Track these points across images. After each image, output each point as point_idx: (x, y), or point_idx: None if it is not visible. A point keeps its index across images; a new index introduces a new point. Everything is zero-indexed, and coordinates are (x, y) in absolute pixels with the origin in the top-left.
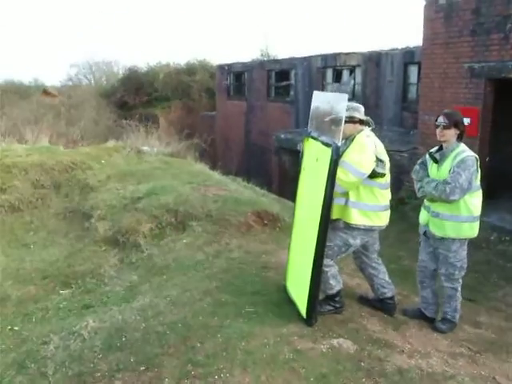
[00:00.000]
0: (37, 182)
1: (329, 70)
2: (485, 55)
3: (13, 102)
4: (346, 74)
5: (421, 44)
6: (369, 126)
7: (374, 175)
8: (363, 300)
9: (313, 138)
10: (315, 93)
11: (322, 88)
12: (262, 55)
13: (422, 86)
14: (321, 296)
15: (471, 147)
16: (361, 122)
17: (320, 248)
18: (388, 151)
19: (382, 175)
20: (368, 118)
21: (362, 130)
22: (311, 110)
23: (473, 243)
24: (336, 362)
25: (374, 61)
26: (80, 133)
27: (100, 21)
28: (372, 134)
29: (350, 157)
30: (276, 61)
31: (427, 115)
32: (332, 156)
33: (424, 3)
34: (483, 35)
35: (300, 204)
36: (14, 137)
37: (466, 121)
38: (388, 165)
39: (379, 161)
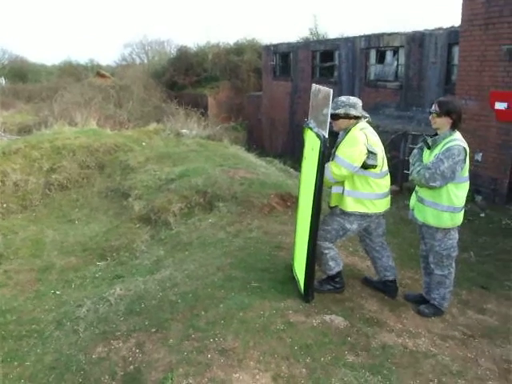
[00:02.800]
0: (83, 163)
1: (372, 50)
2: None
3: (67, 85)
4: (389, 54)
5: None
6: (364, 118)
7: (366, 166)
8: (367, 281)
9: (310, 128)
10: (313, 85)
11: (366, 69)
12: (311, 34)
13: (460, 69)
14: (323, 276)
15: (507, 133)
16: (356, 117)
17: (313, 231)
18: (425, 134)
19: (374, 166)
20: (364, 113)
21: (357, 123)
22: (310, 102)
23: (503, 230)
24: (323, 335)
25: (417, 41)
26: (127, 115)
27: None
28: (367, 126)
29: (342, 151)
30: (320, 41)
31: (464, 99)
32: (320, 148)
33: None
34: None
35: (301, 190)
36: (65, 120)
37: (503, 105)
38: (382, 155)
39: (370, 153)
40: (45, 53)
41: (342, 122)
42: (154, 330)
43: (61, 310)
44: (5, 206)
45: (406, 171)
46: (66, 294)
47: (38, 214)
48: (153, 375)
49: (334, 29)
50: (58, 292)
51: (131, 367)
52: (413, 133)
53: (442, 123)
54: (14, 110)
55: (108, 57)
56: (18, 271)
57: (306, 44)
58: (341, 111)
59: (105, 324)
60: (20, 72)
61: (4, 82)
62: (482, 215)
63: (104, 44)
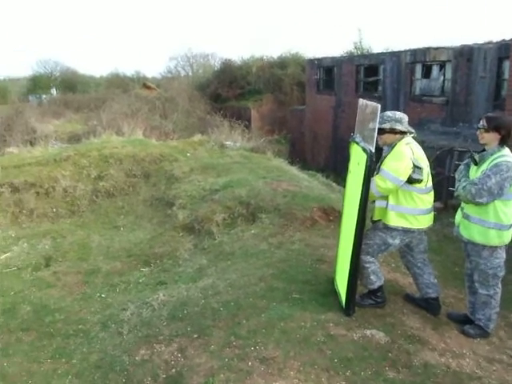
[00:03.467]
0: (129, 172)
1: (418, 65)
2: None
3: (114, 96)
4: (435, 69)
5: None
6: (410, 134)
7: (411, 181)
8: (409, 298)
9: (356, 143)
10: (360, 100)
11: (411, 84)
12: (355, 48)
13: (510, 83)
14: (364, 290)
15: None
16: (402, 132)
17: (357, 245)
18: (472, 150)
19: (419, 181)
20: (409, 128)
21: (402, 138)
22: (357, 116)
23: None
24: (363, 350)
25: (465, 56)
26: (172, 126)
27: (200, 14)
28: (412, 141)
29: (388, 165)
30: (365, 56)
31: None
32: (367, 162)
33: None
34: None
35: (346, 204)
36: (113, 129)
37: None
38: (427, 170)
39: (416, 167)
40: (94, 65)
41: (388, 137)
42: (195, 335)
43: (106, 313)
44: (54, 210)
45: (451, 188)
46: (110, 298)
47: (86, 220)
48: (194, 379)
49: (379, 43)
50: (103, 295)
51: (173, 370)
52: (459, 149)
53: (490, 139)
54: (64, 119)
55: (154, 69)
56: (66, 273)
57: (350, 58)
58: (386, 126)
59: (148, 328)
60: (70, 83)
61: (55, 92)
62: None
63: (150, 56)
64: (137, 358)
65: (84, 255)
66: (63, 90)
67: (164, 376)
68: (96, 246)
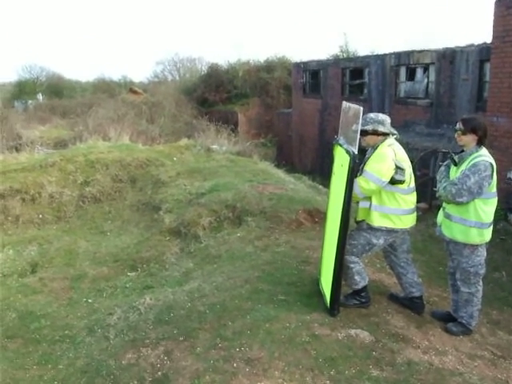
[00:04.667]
0: (116, 177)
1: (402, 68)
2: None
3: (101, 101)
4: (419, 72)
5: None
6: (392, 135)
7: (393, 182)
8: (393, 297)
9: (339, 145)
10: (343, 103)
11: (396, 86)
12: (341, 51)
13: (492, 86)
14: (349, 290)
15: None
16: (384, 134)
17: (341, 245)
18: (451, 151)
19: (402, 182)
20: (392, 130)
21: (385, 140)
22: (340, 119)
23: None
24: (348, 349)
25: (448, 58)
26: (158, 130)
27: (186, 18)
28: (394, 143)
29: (371, 166)
30: (350, 59)
31: (496, 117)
32: (350, 163)
33: None
34: None
35: (330, 205)
36: (100, 135)
37: None
38: (409, 171)
39: (398, 168)
40: (80, 70)
41: (371, 139)
42: (182, 338)
43: (92, 318)
44: (40, 216)
45: (435, 189)
46: (97, 303)
47: (72, 225)
48: (180, 382)
49: (364, 46)
50: (89, 300)
51: (159, 373)
52: (443, 150)
53: (467, 140)
54: (50, 124)
55: (140, 74)
56: (52, 279)
57: (335, 61)
58: (369, 127)
59: (134, 332)
60: (56, 88)
61: (41, 98)
62: None
63: (137, 61)
64: (123, 362)
65: (70, 261)
66: (49, 96)
67: (150, 379)
68: (83, 252)
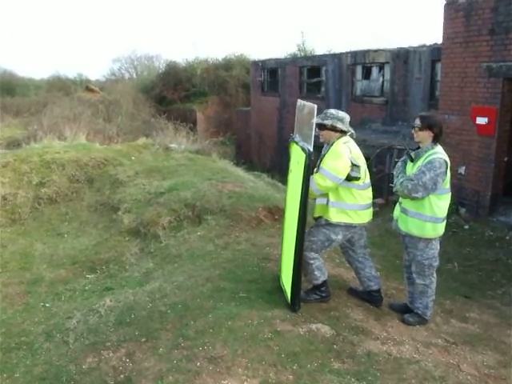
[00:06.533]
0: (72, 177)
1: (358, 66)
2: (503, 54)
3: (56, 99)
4: (375, 71)
5: None
6: (349, 134)
7: (349, 178)
8: (353, 291)
9: (295, 142)
10: (298, 100)
11: (352, 85)
12: (299, 50)
13: (443, 85)
14: (309, 286)
15: (489, 147)
16: (342, 131)
17: (300, 242)
18: (408, 148)
19: (358, 178)
20: (350, 128)
21: (341, 137)
22: (295, 117)
23: (486, 242)
24: (310, 343)
25: (402, 58)
26: (116, 129)
27: (143, 15)
28: (349, 140)
29: (327, 163)
30: (307, 57)
31: (447, 114)
32: (306, 161)
33: (444, 2)
34: (502, 34)
35: (288, 202)
36: (55, 134)
37: (484, 120)
38: (364, 168)
39: (354, 165)
40: (33, 67)
41: (328, 134)
42: (143, 339)
43: (50, 322)
44: None
45: (391, 185)
46: (55, 307)
47: (27, 228)
48: (143, 383)
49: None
50: (47, 304)
51: (121, 376)
52: (398, 147)
53: (423, 137)
54: (2, 124)
55: (97, 71)
56: (7, 284)
57: (293, 60)
58: (328, 122)
59: (95, 335)
60: (8, 86)
61: None
62: (466, 227)
63: (93, 58)
64: (84, 367)
65: (26, 264)
66: (1, 94)
67: (112, 382)
68: (39, 255)
